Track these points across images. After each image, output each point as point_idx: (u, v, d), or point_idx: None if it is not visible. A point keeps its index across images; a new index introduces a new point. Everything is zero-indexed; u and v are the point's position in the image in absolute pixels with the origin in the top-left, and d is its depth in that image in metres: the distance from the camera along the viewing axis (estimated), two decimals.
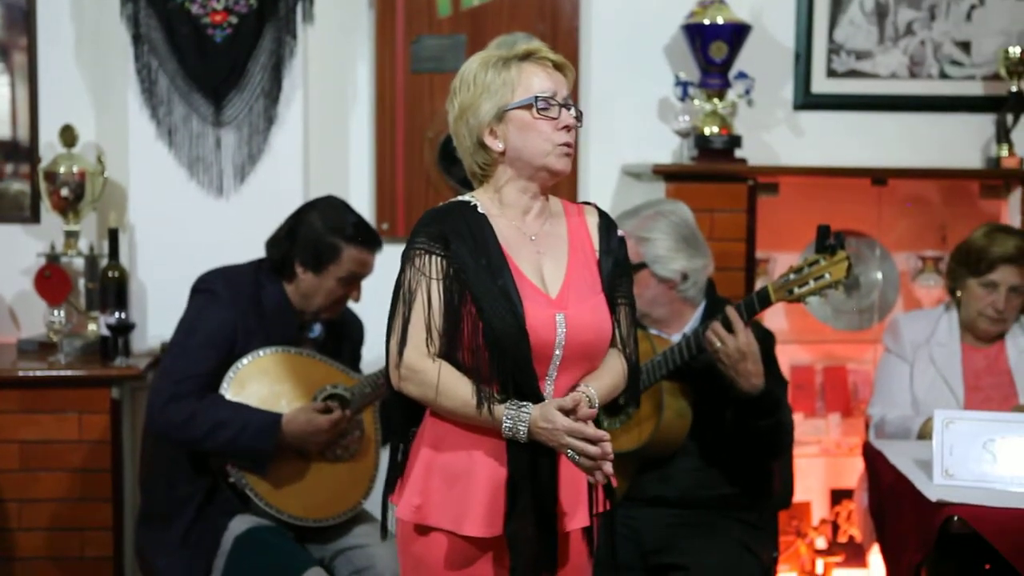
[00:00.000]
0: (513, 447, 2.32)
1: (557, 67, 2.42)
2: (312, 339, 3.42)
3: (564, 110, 2.39)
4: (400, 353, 2.34)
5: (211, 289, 3.31)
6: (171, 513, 3.26)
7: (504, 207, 2.43)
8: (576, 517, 2.40)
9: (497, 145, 2.39)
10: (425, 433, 2.41)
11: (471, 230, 2.36)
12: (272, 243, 3.40)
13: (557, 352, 2.35)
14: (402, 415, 2.44)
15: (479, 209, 2.41)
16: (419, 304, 2.33)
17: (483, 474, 2.35)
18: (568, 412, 2.28)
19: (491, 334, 2.30)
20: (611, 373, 2.44)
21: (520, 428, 2.29)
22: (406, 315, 2.34)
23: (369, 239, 3.34)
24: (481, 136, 2.40)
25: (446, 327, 2.33)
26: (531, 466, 2.32)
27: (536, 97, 2.36)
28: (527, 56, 2.40)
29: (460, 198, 2.45)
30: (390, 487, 2.45)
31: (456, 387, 2.31)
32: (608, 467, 2.29)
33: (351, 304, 3.45)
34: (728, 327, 3.07)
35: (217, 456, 3.21)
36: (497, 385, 2.32)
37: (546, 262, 2.42)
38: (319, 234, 3.30)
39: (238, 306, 3.28)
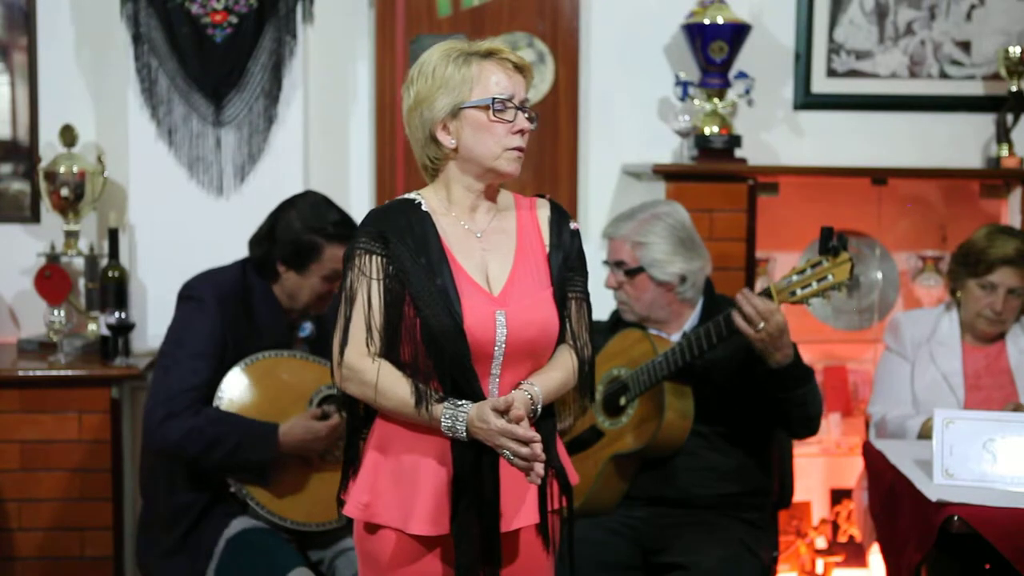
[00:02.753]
0: (457, 446, 2.32)
1: (517, 68, 2.40)
2: (303, 338, 3.40)
3: (519, 113, 2.38)
4: (341, 353, 2.36)
5: (197, 296, 3.28)
6: (172, 520, 3.24)
7: (452, 204, 2.42)
8: (521, 515, 2.39)
9: (449, 141, 2.38)
10: (375, 432, 2.42)
11: (412, 229, 2.36)
12: (254, 242, 3.37)
13: (498, 350, 2.35)
14: (353, 414, 2.45)
15: (423, 207, 2.40)
16: (359, 304, 2.34)
17: (429, 473, 2.35)
18: (502, 412, 2.27)
19: (429, 333, 2.31)
20: (560, 369, 2.43)
21: (459, 427, 2.30)
22: (347, 315, 2.35)
23: (350, 236, 3.32)
24: (434, 130, 2.38)
25: (386, 327, 2.33)
26: (475, 465, 2.32)
27: (493, 99, 2.35)
28: (489, 55, 2.38)
29: (406, 196, 2.45)
30: (343, 485, 2.46)
31: (395, 386, 2.32)
32: (539, 468, 2.28)
33: None
34: (744, 317, 3.06)
35: (217, 470, 3.19)
36: (437, 384, 2.33)
37: (492, 259, 2.41)
38: (298, 233, 3.27)
39: (226, 312, 3.26)
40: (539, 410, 2.36)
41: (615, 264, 3.37)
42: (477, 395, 2.33)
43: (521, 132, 2.38)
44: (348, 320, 2.35)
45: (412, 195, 2.44)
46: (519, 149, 2.38)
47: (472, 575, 2.33)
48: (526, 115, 2.38)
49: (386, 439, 2.40)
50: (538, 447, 2.27)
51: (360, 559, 2.47)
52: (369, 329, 2.33)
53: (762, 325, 3.04)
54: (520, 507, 2.39)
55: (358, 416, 2.45)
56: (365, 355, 2.34)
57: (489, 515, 2.33)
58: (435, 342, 2.31)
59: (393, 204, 2.44)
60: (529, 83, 2.42)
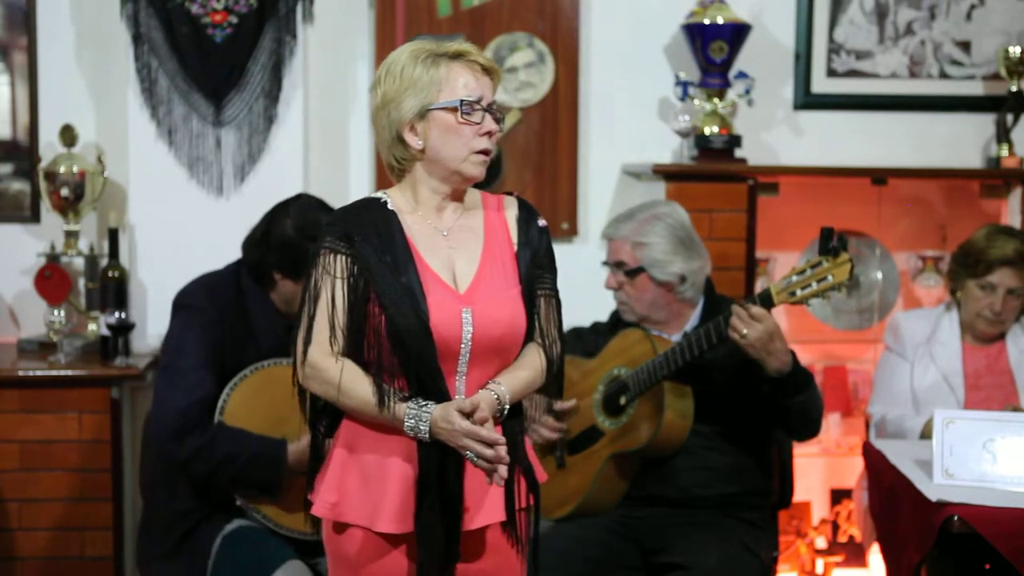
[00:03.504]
0: (423, 446, 2.33)
1: (486, 71, 2.40)
2: None
3: (487, 115, 2.38)
4: (304, 351, 2.36)
5: (194, 305, 3.25)
6: (171, 523, 3.23)
7: (418, 204, 2.43)
8: (485, 513, 2.39)
9: (416, 142, 2.39)
10: (343, 431, 2.43)
11: (378, 228, 2.37)
12: (248, 245, 3.34)
13: (464, 348, 2.35)
14: (317, 414, 2.45)
15: (389, 206, 2.41)
16: (323, 303, 2.34)
17: (395, 471, 2.36)
18: (467, 414, 2.28)
19: (394, 332, 2.31)
20: (528, 367, 2.43)
21: (422, 427, 2.30)
22: (311, 313, 2.36)
23: None
24: (401, 131, 2.39)
25: (350, 325, 2.34)
26: (439, 464, 2.33)
27: (461, 101, 2.36)
28: (457, 56, 2.38)
29: (372, 195, 2.46)
30: (309, 484, 2.46)
31: (357, 386, 2.33)
32: (503, 470, 2.28)
33: None
34: (732, 326, 3.07)
35: (225, 488, 3.17)
36: (403, 382, 2.33)
37: (458, 257, 2.41)
38: (293, 240, 3.23)
39: (223, 320, 3.23)
40: (506, 410, 2.37)
41: (615, 265, 3.37)
42: (443, 393, 2.33)
43: (489, 134, 2.38)
44: (312, 319, 2.36)
45: (378, 194, 2.45)
46: (485, 152, 2.39)
47: (433, 573, 2.34)
48: (493, 117, 2.39)
49: (353, 438, 2.40)
50: (502, 450, 2.27)
51: (329, 558, 2.47)
52: (333, 328, 2.34)
53: (745, 331, 3.05)
54: (480, 506, 2.39)
55: (320, 416, 2.45)
56: (328, 354, 2.35)
57: (451, 513, 2.34)
58: (400, 340, 2.31)
59: (359, 203, 2.44)
60: (497, 85, 2.43)
